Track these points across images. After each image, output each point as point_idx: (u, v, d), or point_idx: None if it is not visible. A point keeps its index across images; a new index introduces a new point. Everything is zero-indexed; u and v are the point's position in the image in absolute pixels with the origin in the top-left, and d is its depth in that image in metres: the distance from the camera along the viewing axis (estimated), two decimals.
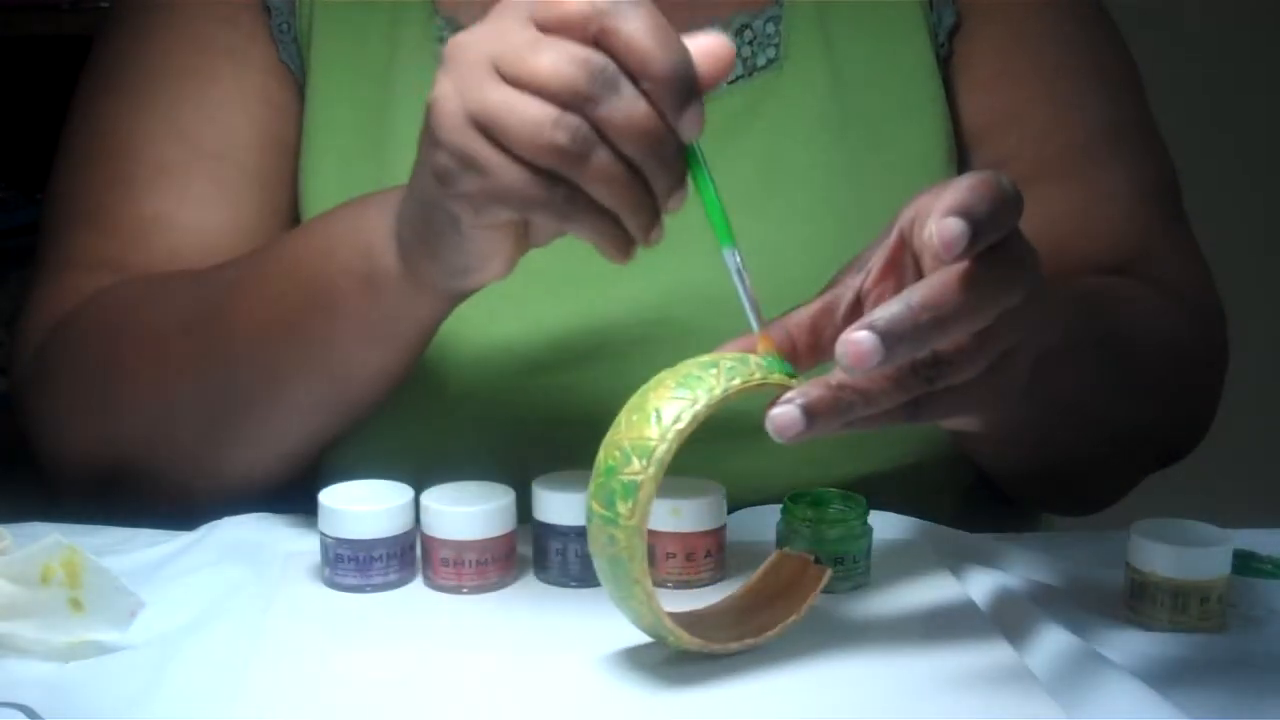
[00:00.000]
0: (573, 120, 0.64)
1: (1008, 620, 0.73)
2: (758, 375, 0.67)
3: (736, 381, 0.66)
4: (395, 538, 0.76)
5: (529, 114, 0.64)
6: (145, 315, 0.87)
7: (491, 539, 0.76)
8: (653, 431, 0.65)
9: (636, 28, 0.64)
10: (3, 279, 1.78)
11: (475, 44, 0.66)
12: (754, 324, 0.69)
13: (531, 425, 0.88)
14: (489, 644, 0.72)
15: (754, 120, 0.93)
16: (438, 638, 0.72)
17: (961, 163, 0.96)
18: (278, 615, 0.74)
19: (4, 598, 0.70)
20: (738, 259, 0.68)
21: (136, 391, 0.86)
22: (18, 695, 0.65)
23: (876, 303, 0.70)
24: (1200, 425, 0.98)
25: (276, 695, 0.67)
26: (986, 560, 0.81)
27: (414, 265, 0.74)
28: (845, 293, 0.71)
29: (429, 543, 0.77)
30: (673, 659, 0.70)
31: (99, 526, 0.85)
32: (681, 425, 0.65)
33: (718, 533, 0.78)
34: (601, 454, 0.66)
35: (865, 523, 0.77)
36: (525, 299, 0.88)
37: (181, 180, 0.92)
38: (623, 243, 0.67)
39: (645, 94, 0.64)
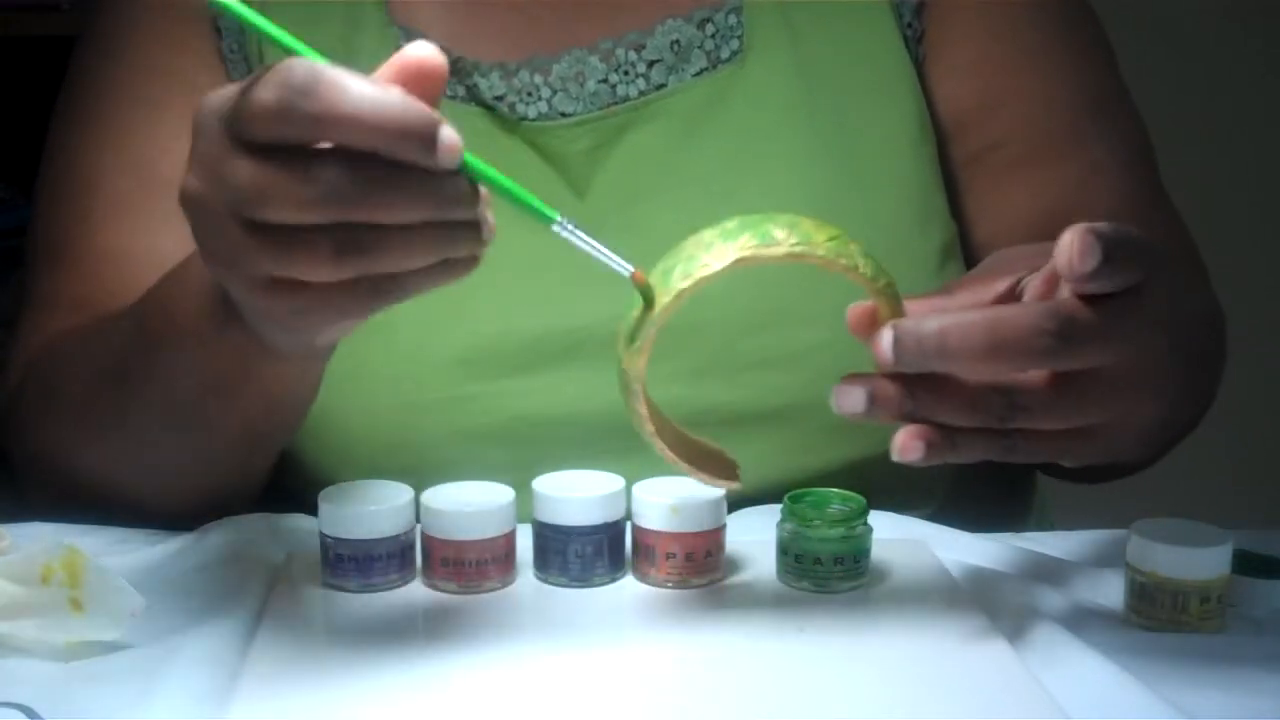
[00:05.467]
0: (339, 236, 0.61)
1: (1007, 620, 0.73)
2: (843, 261, 0.66)
3: (801, 249, 0.65)
4: (395, 538, 0.76)
5: (300, 256, 0.62)
6: (69, 379, 0.88)
7: (491, 539, 0.76)
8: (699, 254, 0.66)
9: (334, 100, 0.59)
10: (3, 279, 1.78)
11: (205, 197, 0.64)
12: (619, 267, 0.66)
13: (516, 426, 0.88)
14: (489, 644, 0.72)
15: (720, 112, 0.92)
16: (438, 638, 0.72)
17: (940, 145, 0.96)
18: (277, 615, 0.74)
19: (4, 598, 0.70)
20: (568, 225, 0.66)
21: (72, 445, 0.87)
22: (18, 695, 0.65)
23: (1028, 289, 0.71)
24: (1215, 388, 0.98)
25: (276, 695, 0.67)
26: (986, 560, 0.81)
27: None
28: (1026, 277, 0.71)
29: (429, 543, 0.77)
30: (672, 660, 0.70)
31: (99, 526, 0.85)
32: (709, 272, 0.65)
33: (718, 533, 0.78)
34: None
35: (865, 523, 0.77)
36: (503, 302, 0.88)
37: (134, 212, 0.92)
38: (458, 270, 0.65)
39: (387, 153, 0.60)
